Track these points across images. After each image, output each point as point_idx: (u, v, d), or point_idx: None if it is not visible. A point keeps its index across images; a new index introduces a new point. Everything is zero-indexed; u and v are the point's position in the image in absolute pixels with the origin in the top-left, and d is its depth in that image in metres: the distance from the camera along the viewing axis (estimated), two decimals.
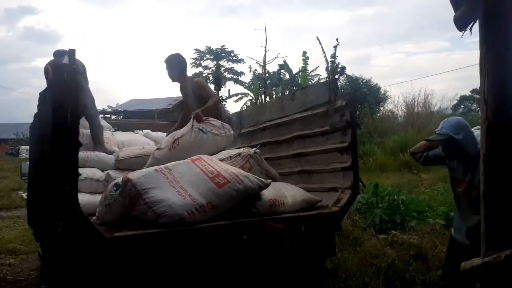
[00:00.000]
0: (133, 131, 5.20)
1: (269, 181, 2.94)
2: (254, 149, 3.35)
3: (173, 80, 4.33)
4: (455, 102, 26.26)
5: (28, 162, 4.08)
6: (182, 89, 4.42)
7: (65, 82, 2.30)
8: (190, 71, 19.29)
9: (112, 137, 4.70)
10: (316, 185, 3.52)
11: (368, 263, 4.07)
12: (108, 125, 5.16)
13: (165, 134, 5.16)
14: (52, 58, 4.35)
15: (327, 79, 12.65)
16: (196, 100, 4.17)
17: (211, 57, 25.41)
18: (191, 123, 3.69)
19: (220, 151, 3.59)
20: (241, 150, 3.35)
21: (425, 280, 3.63)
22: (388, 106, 19.98)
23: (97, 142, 4.35)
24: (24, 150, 20.97)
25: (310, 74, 15.34)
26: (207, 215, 2.60)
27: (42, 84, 4.34)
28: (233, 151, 3.41)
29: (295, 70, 15.98)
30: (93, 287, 2.33)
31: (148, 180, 2.64)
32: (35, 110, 2.99)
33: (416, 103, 16.94)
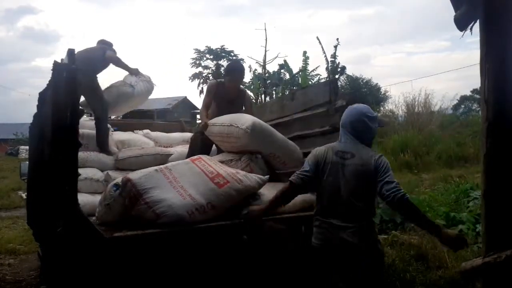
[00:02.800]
0: (133, 131, 5.19)
1: (266, 176, 2.94)
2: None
3: (238, 87, 4.13)
4: (455, 102, 26.25)
5: (27, 162, 4.08)
6: (222, 92, 4.06)
7: (65, 82, 2.29)
8: (190, 71, 19.32)
9: (111, 137, 4.70)
10: None
11: None
12: (152, 85, 5.16)
13: (164, 134, 5.16)
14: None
15: (327, 79, 12.63)
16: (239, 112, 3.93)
17: (211, 57, 25.43)
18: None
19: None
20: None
21: (425, 280, 3.63)
22: (389, 106, 19.99)
23: (101, 147, 4.34)
24: (24, 150, 20.97)
25: (310, 74, 15.31)
26: (207, 215, 2.60)
27: (42, 84, 4.34)
28: (233, 154, 3.39)
29: (295, 70, 15.96)
30: (93, 287, 2.33)
31: (148, 180, 2.64)
32: (35, 110, 2.99)
33: (416, 103, 16.92)
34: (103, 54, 4.67)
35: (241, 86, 4.29)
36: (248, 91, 4.10)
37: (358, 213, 2.30)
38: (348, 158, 2.36)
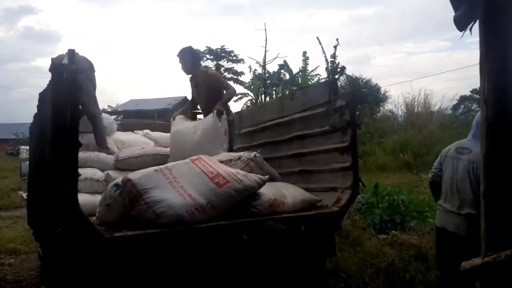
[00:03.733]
0: (133, 131, 5.19)
1: (266, 176, 2.94)
2: (254, 152, 3.32)
3: (187, 73, 4.55)
4: (455, 102, 26.28)
5: (28, 162, 4.08)
6: (193, 81, 4.61)
7: (65, 82, 2.30)
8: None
9: (112, 137, 4.69)
10: (316, 185, 3.52)
11: (368, 263, 4.07)
12: (115, 126, 5.03)
13: (164, 134, 5.16)
14: (47, 58, 4.37)
15: (327, 79, 12.65)
16: (211, 93, 4.39)
17: (211, 57, 25.38)
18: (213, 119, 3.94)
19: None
20: (241, 153, 3.33)
21: (425, 280, 3.63)
22: (388, 106, 19.96)
23: (101, 144, 4.32)
24: (24, 150, 21.02)
25: (310, 74, 15.32)
26: (207, 215, 2.60)
27: (42, 84, 4.35)
28: (233, 154, 3.40)
29: (295, 70, 15.97)
30: (93, 287, 2.33)
31: (148, 180, 2.64)
32: (35, 110, 2.99)
33: (416, 103, 16.94)
34: (89, 67, 4.53)
35: (208, 70, 4.79)
36: (212, 71, 4.68)
37: (465, 203, 2.63)
38: (464, 154, 2.70)
